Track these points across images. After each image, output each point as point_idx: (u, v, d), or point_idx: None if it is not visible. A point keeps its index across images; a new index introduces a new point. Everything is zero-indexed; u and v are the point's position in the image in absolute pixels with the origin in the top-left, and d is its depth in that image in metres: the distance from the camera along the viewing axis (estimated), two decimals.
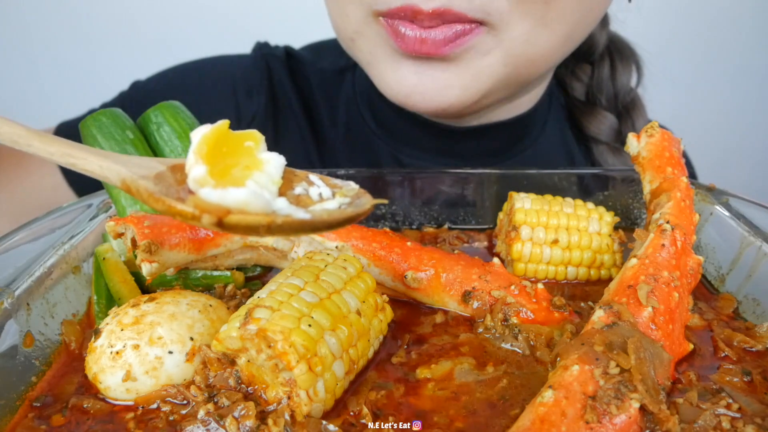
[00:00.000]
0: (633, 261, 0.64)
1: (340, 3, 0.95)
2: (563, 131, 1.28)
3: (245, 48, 1.35)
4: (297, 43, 1.39)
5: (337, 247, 0.72)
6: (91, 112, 1.21)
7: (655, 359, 0.54)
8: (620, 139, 1.24)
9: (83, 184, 1.17)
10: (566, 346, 0.56)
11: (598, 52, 1.26)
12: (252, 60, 1.29)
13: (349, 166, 1.24)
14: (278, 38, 1.37)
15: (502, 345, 0.65)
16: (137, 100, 1.24)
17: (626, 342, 0.53)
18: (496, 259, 0.73)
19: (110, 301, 0.72)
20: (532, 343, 0.64)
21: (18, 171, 1.21)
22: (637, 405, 0.49)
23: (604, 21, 1.26)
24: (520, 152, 1.20)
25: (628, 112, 1.26)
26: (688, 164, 1.36)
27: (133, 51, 2.19)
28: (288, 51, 1.32)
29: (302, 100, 1.27)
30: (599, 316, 0.58)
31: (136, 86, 1.29)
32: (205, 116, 1.21)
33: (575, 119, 1.29)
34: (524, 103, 1.15)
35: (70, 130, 1.19)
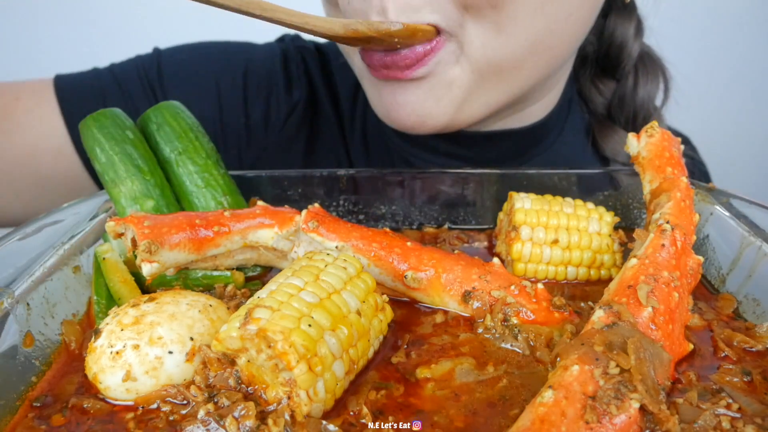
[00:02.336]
0: (633, 261, 0.64)
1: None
2: (582, 144, 1.23)
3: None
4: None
5: (337, 247, 0.72)
6: (95, 70, 1.19)
7: (655, 359, 0.54)
8: None
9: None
10: (566, 346, 0.56)
11: (630, 65, 1.18)
12: (286, 51, 1.26)
13: (366, 166, 1.23)
14: (272, 33, 1.35)
15: (502, 345, 0.65)
16: (156, 67, 1.18)
17: (626, 342, 0.53)
18: (496, 259, 0.73)
19: (110, 301, 0.72)
20: (532, 343, 0.64)
21: (8, 125, 1.04)
22: (637, 405, 0.49)
23: (638, 32, 1.17)
24: (529, 160, 1.16)
25: None
26: (705, 171, 1.34)
27: (129, 38, 2.18)
28: (316, 45, 1.30)
29: (331, 97, 1.25)
30: (599, 316, 0.58)
31: (158, 53, 1.22)
32: (234, 105, 1.20)
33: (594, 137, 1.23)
34: (535, 112, 1.12)
35: (67, 83, 1.13)
